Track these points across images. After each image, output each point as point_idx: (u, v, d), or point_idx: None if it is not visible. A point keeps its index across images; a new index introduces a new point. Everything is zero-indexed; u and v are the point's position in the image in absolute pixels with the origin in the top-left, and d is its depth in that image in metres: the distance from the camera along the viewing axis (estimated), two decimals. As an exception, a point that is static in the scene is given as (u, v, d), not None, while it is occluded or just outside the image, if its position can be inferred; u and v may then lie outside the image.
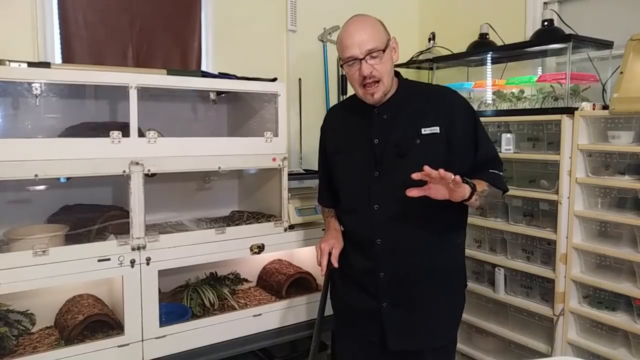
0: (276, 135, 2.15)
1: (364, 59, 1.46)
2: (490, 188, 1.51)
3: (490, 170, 1.53)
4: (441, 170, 1.30)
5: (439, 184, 1.35)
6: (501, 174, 1.56)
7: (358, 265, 1.62)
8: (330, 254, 1.61)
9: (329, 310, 1.74)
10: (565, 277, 2.09)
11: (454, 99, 1.58)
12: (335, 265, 1.62)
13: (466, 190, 1.39)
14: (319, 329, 1.65)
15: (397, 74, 1.62)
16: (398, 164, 1.50)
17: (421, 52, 2.96)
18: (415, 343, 1.58)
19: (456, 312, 1.69)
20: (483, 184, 1.49)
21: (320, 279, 2.37)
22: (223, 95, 2.33)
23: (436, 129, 1.50)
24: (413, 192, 1.37)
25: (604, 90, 2.25)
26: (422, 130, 1.51)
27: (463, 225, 1.66)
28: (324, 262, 1.60)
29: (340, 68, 2.98)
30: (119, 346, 1.81)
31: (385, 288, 1.57)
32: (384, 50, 1.48)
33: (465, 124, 1.53)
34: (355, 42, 1.47)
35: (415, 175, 1.33)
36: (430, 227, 1.54)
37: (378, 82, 1.49)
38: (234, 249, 2.07)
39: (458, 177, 1.32)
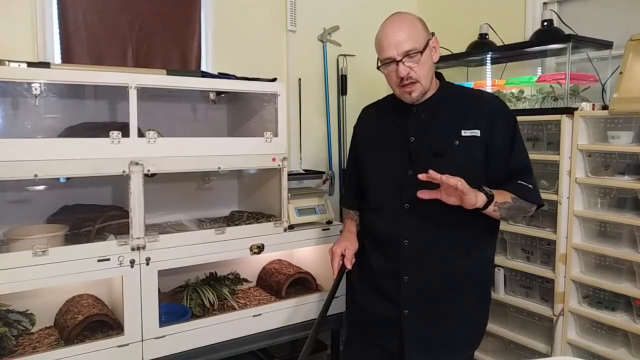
0: (276, 135, 2.15)
1: (401, 60, 1.43)
2: (516, 201, 1.46)
3: (519, 182, 1.48)
4: (444, 176, 1.29)
5: (447, 188, 1.33)
6: (531, 186, 1.50)
7: (380, 267, 1.57)
8: (343, 256, 1.59)
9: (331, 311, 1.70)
10: (565, 277, 2.09)
11: (499, 105, 1.56)
12: (349, 267, 1.58)
13: (479, 198, 1.36)
14: (316, 331, 1.60)
15: (439, 75, 1.59)
16: (434, 163, 1.44)
17: (421, 52, 2.95)
18: (435, 357, 1.53)
19: (479, 328, 1.62)
20: (507, 195, 1.45)
21: (321, 280, 2.38)
22: (223, 95, 2.33)
23: (477, 132, 1.47)
24: (424, 194, 1.36)
25: (603, 90, 2.25)
26: (462, 132, 1.47)
27: (495, 234, 1.62)
28: (336, 265, 1.58)
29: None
30: (118, 346, 1.81)
31: (408, 294, 1.51)
32: (422, 52, 1.44)
33: (505, 132, 1.50)
34: (392, 43, 1.43)
35: (422, 176, 1.32)
36: (462, 233, 1.50)
37: (415, 82, 1.46)
38: (234, 249, 2.07)
39: (461, 185, 1.30)
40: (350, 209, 1.79)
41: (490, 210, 1.41)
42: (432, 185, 1.38)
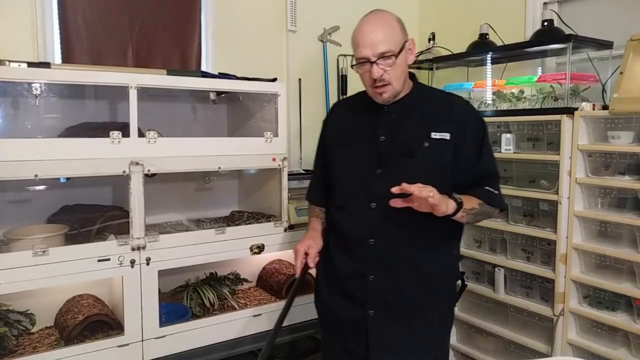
0: (276, 135, 2.15)
1: (375, 61, 1.42)
2: (482, 206, 1.47)
3: (486, 188, 1.49)
4: (416, 190, 1.29)
5: (419, 199, 1.33)
6: (497, 192, 1.51)
7: (345, 267, 1.55)
8: (307, 254, 1.58)
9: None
10: (565, 277, 2.09)
11: (470, 110, 1.56)
12: (312, 265, 1.58)
13: (449, 206, 1.36)
14: (273, 337, 1.55)
15: (412, 76, 1.59)
16: (403, 164, 1.46)
17: (421, 53, 2.96)
18: (400, 359, 1.51)
19: (445, 328, 1.61)
20: (474, 201, 1.45)
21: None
22: (223, 95, 2.33)
23: (446, 136, 1.47)
24: (397, 203, 1.36)
25: (603, 90, 2.25)
26: (432, 134, 1.47)
27: (459, 235, 1.62)
28: (299, 263, 1.57)
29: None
30: (119, 346, 1.81)
31: (373, 294, 1.50)
32: (397, 55, 1.43)
33: (475, 137, 1.50)
34: (368, 43, 1.42)
35: (394, 190, 1.31)
36: (427, 233, 1.49)
37: (388, 84, 1.46)
38: (234, 249, 2.07)
39: (433, 199, 1.30)
40: (315, 205, 1.76)
41: (459, 216, 1.41)
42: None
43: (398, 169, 1.46)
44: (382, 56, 1.42)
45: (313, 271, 1.69)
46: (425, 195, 1.29)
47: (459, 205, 1.39)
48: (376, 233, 1.49)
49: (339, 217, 1.59)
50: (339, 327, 1.60)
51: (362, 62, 1.45)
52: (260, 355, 1.50)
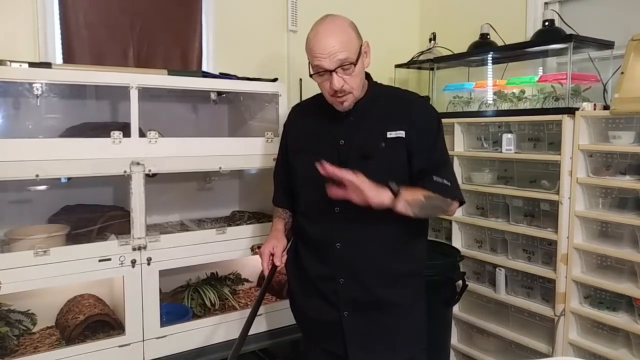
0: (277, 135, 2.15)
1: (334, 70, 1.41)
2: (429, 199, 1.42)
3: (434, 177, 1.45)
4: (337, 171, 1.28)
5: (350, 186, 1.31)
6: (447, 182, 1.46)
7: (316, 271, 1.56)
8: (272, 255, 1.58)
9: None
10: (566, 277, 2.09)
11: (421, 105, 1.56)
12: (278, 264, 1.59)
13: (384, 196, 1.33)
14: (242, 340, 1.55)
15: (367, 76, 1.58)
16: (362, 165, 1.43)
17: (422, 52, 2.95)
18: (378, 357, 1.53)
19: (419, 325, 1.61)
20: (419, 192, 1.41)
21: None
22: (224, 95, 2.33)
23: (401, 133, 1.47)
24: (334, 192, 1.33)
25: (604, 90, 2.25)
26: (388, 133, 1.47)
27: (425, 232, 1.62)
28: (265, 265, 1.58)
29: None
30: (119, 346, 1.81)
31: (345, 296, 1.51)
32: (355, 63, 1.42)
33: (426, 130, 1.49)
34: (326, 53, 1.40)
35: (321, 170, 1.31)
36: (391, 232, 1.49)
37: (349, 93, 1.45)
38: (235, 249, 2.07)
39: (357, 179, 1.28)
40: (282, 208, 1.76)
41: (402, 209, 1.37)
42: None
43: (358, 172, 1.43)
44: (341, 65, 1.40)
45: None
46: (348, 178, 1.28)
47: (395, 193, 1.35)
48: (341, 236, 1.50)
49: (304, 223, 1.61)
50: (317, 329, 1.63)
51: (320, 73, 1.44)
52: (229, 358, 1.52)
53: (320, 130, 1.58)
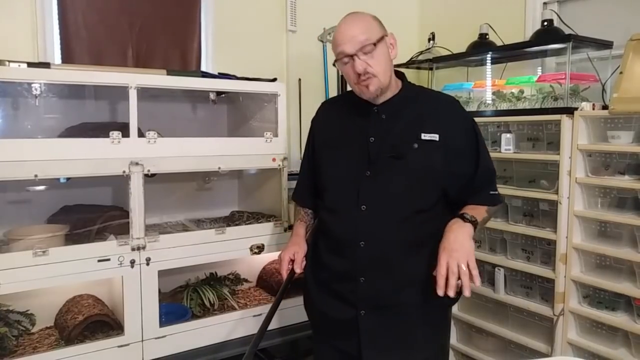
0: (276, 135, 2.15)
1: (355, 54, 1.41)
2: (490, 212, 1.49)
3: (491, 193, 1.50)
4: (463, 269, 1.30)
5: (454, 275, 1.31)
6: (497, 193, 1.52)
7: (335, 269, 1.54)
8: (293, 261, 1.58)
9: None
10: (565, 277, 2.09)
11: (457, 109, 1.55)
12: (298, 270, 1.58)
13: (469, 234, 1.37)
14: (258, 341, 1.55)
15: (401, 75, 1.57)
16: (393, 165, 1.43)
17: (421, 52, 2.96)
18: (393, 357, 1.50)
19: (439, 330, 1.60)
20: (482, 210, 1.45)
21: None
22: (223, 95, 2.33)
23: (435, 137, 1.45)
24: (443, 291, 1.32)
25: (603, 90, 2.25)
26: (422, 135, 1.45)
27: (442, 234, 1.60)
28: (284, 271, 1.57)
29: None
30: (119, 346, 1.81)
31: (364, 295, 1.49)
32: (375, 44, 1.42)
33: (467, 137, 1.49)
34: (347, 38, 1.42)
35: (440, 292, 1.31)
36: (417, 232, 1.48)
37: (373, 77, 1.43)
38: (234, 249, 2.07)
39: (476, 275, 1.30)
40: (302, 207, 1.74)
41: (475, 233, 1.41)
42: (394, 187, 1.42)
43: (387, 171, 1.44)
44: (362, 49, 1.41)
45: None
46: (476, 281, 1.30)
47: (474, 225, 1.39)
48: (366, 235, 1.48)
49: (328, 219, 1.58)
50: (330, 328, 1.60)
51: (344, 60, 1.45)
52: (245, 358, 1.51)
53: (350, 126, 1.55)
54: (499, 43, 2.66)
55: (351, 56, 1.42)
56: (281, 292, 1.62)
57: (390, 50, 1.49)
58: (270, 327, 2.11)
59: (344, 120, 1.59)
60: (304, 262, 1.61)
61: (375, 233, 1.47)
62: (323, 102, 1.76)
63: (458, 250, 1.33)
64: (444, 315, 1.62)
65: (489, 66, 2.69)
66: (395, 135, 1.47)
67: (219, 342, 2.01)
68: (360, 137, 1.50)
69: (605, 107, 2.02)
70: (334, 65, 1.52)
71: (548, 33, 2.36)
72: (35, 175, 1.66)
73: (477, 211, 1.44)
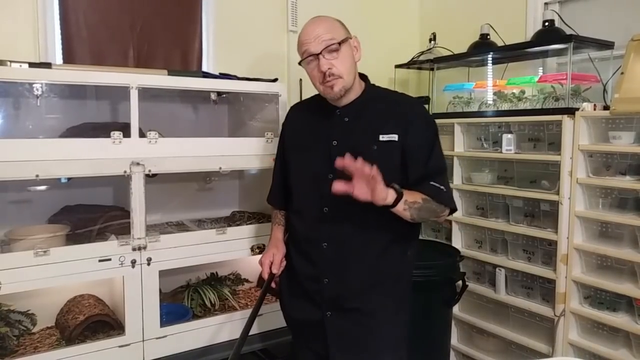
0: (277, 135, 2.15)
1: (320, 53, 1.44)
2: (427, 202, 1.44)
3: (431, 183, 1.46)
4: (359, 162, 1.26)
5: (361, 178, 1.29)
6: (443, 188, 1.47)
7: (303, 270, 1.58)
8: (272, 262, 1.60)
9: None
10: (566, 277, 2.09)
11: (416, 109, 1.55)
12: (275, 271, 1.60)
13: (389, 194, 1.33)
14: (242, 341, 1.55)
15: (364, 77, 1.59)
16: None
17: (422, 53, 2.95)
18: (358, 359, 1.53)
19: (401, 328, 1.60)
20: (417, 195, 1.42)
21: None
22: (224, 95, 2.33)
23: (394, 137, 1.47)
24: (338, 187, 1.30)
25: (604, 90, 2.25)
26: (380, 136, 1.47)
27: (414, 238, 1.61)
28: (265, 275, 1.60)
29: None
30: (119, 346, 1.81)
31: (329, 296, 1.52)
32: (340, 43, 1.45)
33: (423, 136, 1.49)
34: (312, 37, 1.45)
35: (338, 163, 1.28)
36: (380, 235, 1.49)
37: (338, 78, 1.46)
38: (235, 249, 2.07)
39: (375, 171, 1.27)
40: (275, 208, 1.77)
41: (400, 209, 1.37)
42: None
43: (348, 174, 1.44)
44: (326, 48, 1.44)
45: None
46: (368, 172, 1.26)
47: (399, 194, 1.35)
48: (329, 237, 1.51)
49: (295, 221, 1.62)
50: (302, 329, 1.64)
51: (308, 60, 1.47)
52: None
53: (316, 129, 1.59)
54: (500, 43, 2.66)
55: (316, 55, 1.45)
56: (262, 294, 1.64)
57: (354, 52, 1.52)
58: (270, 327, 2.13)
59: (311, 123, 1.62)
60: (284, 263, 1.64)
61: (337, 235, 1.50)
62: (292, 105, 1.79)
63: (379, 178, 1.30)
64: (405, 319, 1.61)
65: (490, 66, 2.68)
66: (355, 138, 1.50)
67: (219, 342, 2.01)
68: (324, 140, 1.53)
69: (606, 108, 2.02)
70: (299, 64, 1.55)
71: (549, 33, 2.35)
72: (37, 175, 1.66)
73: (412, 194, 1.42)
